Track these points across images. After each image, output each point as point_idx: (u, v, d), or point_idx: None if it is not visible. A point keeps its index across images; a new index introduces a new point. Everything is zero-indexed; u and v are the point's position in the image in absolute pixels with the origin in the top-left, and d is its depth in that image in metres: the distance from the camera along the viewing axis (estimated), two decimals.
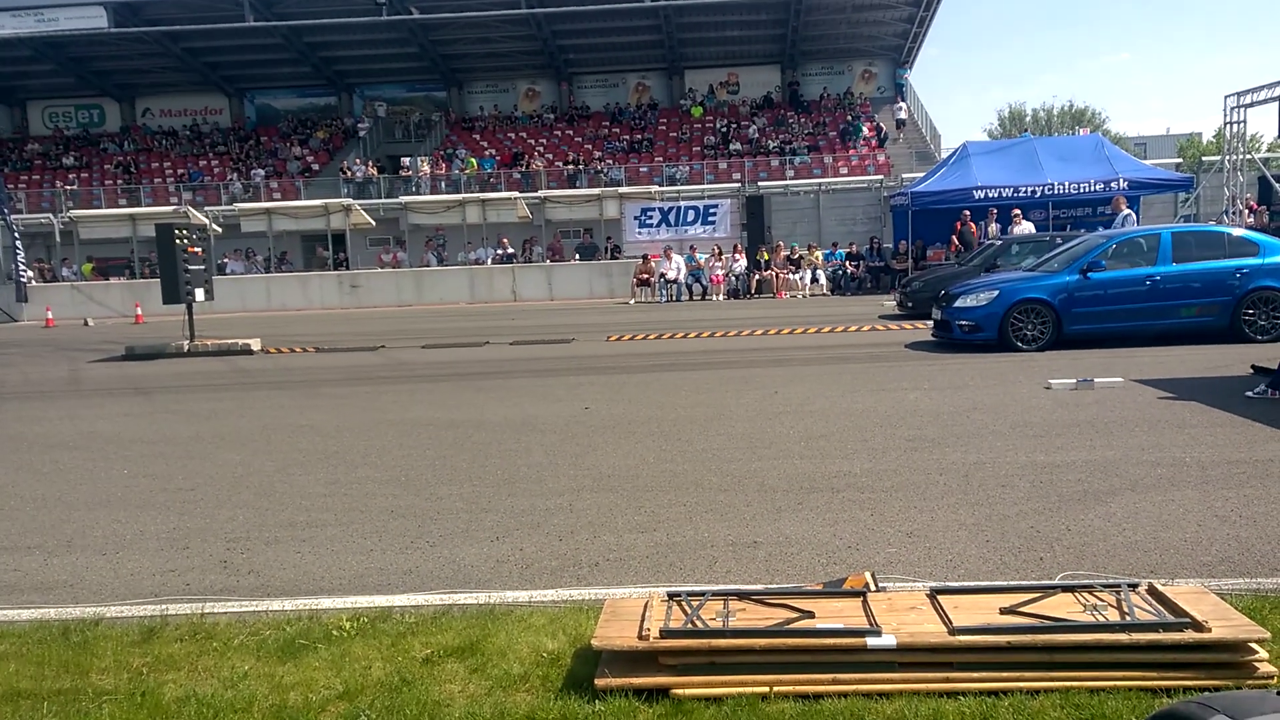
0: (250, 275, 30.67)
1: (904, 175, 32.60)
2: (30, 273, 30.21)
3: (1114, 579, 3.90)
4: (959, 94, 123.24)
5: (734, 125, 40.46)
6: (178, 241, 16.29)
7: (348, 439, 8.43)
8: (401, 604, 4.36)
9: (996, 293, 12.66)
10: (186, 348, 16.53)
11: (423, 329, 19.79)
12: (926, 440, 7.34)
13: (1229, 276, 12.07)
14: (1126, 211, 17.93)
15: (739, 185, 33.88)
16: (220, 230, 30.51)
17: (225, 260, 30.47)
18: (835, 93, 42.53)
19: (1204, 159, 36.66)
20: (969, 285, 13.66)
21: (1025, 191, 22.86)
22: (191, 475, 7.28)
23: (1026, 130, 56.51)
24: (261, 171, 38.22)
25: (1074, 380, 9.41)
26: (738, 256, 26.60)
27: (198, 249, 16.82)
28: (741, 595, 3.78)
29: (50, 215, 33.42)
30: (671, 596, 3.75)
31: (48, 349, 19.11)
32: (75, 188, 36.86)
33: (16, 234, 29.77)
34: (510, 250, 30.19)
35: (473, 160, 37.81)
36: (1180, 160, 44.54)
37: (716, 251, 26.59)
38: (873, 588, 3.84)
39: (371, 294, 28.90)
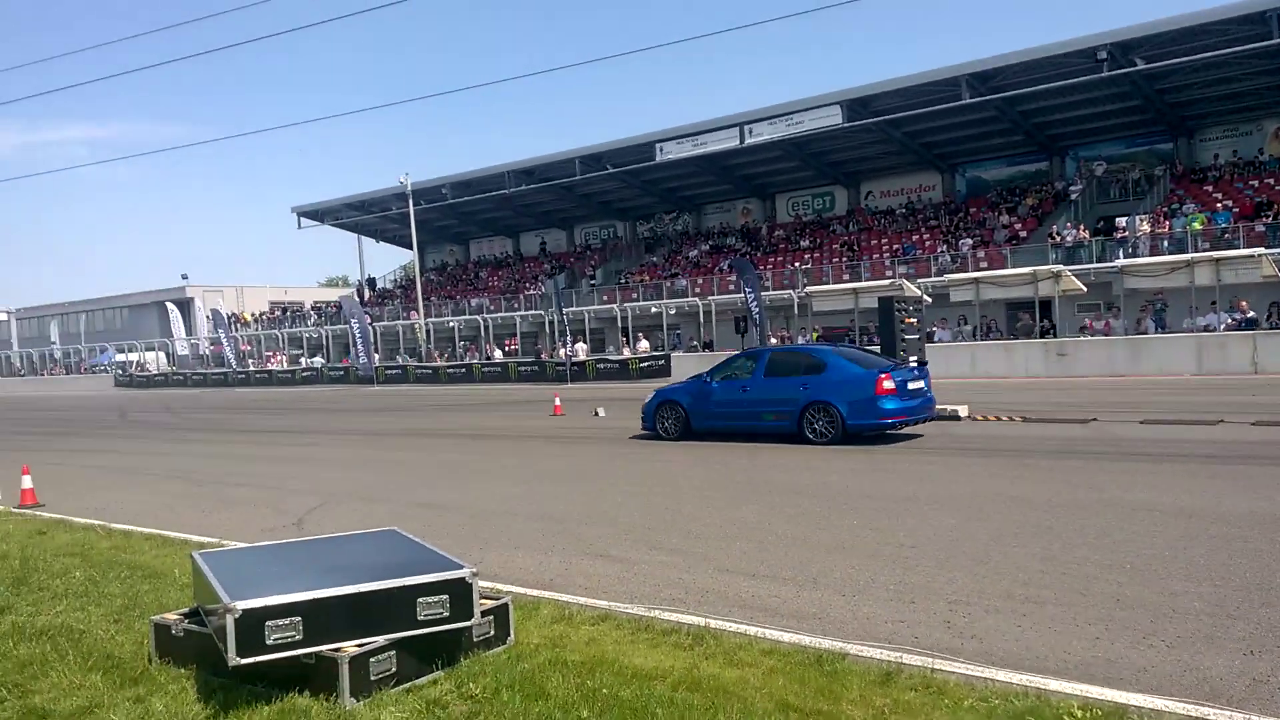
0: (956, 343, 31.58)
1: None
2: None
3: None
4: None
5: None
6: (897, 311, 17.63)
7: (1061, 515, 8.19)
8: (1138, 704, 4.11)
9: (653, 393, 16.12)
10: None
11: (1139, 401, 18.23)
12: None
13: (797, 389, 14.14)
14: None
15: None
16: (930, 300, 32.05)
17: (934, 328, 31.85)
18: None
19: None
20: (661, 388, 16.75)
21: None
22: (911, 533, 7.76)
23: None
24: (969, 241, 39.19)
25: None
26: None
27: (913, 319, 17.96)
28: None
29: (790, 291, 38.71)
30: None
31: None
32: (809, 266, 42.00)
33: (758, 309, 35.19)
34: (1250, 315, 26.27)
35: (1202, 215, 33.95)
36: None
37: None
38: None
39: (1079, 363, 27.55)
